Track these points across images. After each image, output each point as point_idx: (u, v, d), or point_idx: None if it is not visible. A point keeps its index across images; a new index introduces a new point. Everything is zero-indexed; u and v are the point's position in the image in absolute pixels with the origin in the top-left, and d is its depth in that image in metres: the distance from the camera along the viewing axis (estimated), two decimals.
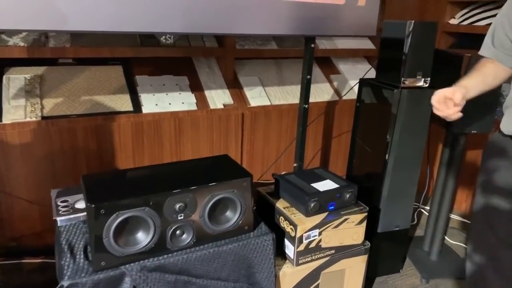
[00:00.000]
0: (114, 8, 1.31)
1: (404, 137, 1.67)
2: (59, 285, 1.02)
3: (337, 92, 2.64)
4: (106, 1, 1.27)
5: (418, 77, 1.62)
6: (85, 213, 1.24)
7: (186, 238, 1.18)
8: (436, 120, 1.81)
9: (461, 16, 2.64)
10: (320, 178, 1.49)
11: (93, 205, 1.02)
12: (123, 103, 2.00)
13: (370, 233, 1.66)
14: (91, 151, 1.87)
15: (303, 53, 1.91)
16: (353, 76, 2.74)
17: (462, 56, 1.68)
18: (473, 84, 1.17)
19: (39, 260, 1.75)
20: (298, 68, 2.62)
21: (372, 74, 1.90)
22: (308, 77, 1.93)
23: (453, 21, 2.66)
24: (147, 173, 1.29)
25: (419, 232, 2.26)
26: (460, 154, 1.84)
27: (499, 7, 2.46)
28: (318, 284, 1.46)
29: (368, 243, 1.55)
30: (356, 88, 2.00)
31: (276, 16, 1.65)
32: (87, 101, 1.93)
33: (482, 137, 2.21)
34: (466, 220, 2.34)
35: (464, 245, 2.13)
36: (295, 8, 1.67)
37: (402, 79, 1.60)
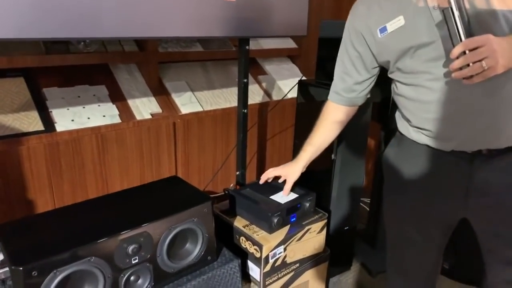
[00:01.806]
0: (11, 11, 1.06)
1: (348, 135, 1.67)
2: None
3: (267, 93, 2.59)
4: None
5: None
6: (4, 269, 0.97)
7: (143, 283, 0.99)
8: (372, 116, 1.86)
9: None
10: (277, 189, 1.40)
11: (21, 267, 0.78)
12: (31, 122, 1.67)
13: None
14: None
15: (238, 55, 1.80)
16: (280, 76, 2.71)
17: None
18: (314, 150, 1.36)
19: None
20: (225, 70, 2.49)
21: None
22: (245, 80, 1.83)
23: None
24: (86, 212, 1.06)
25: (359, 225, 2.32)
26: None
27: None
28: None
29: (328, 249, 1.51)
30: (294, 89, 1.95)
31: (207, 17, 1.52)
32: None
33: None
34: None
35: None
36: (228, 9, 1.55)
37: None
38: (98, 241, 0.88)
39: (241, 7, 1.59)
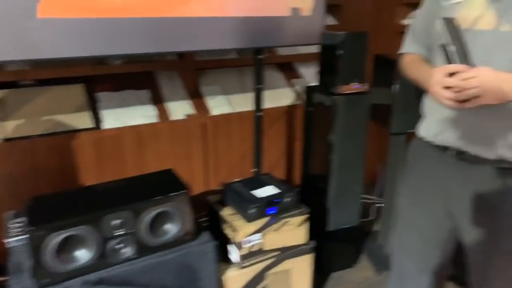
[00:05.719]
0: (79, 35, 1.43)
1: (344, 138, 1.77)
2: None
3: (298, 95, 2.73)
4: (69, 29, 1.40)
5: (353, 83, 1.71)
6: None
7: (128, 251, 1.27)
8: (377, 119, 1.91)
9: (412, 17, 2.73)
10: (263, 185, 1.58)
11: (33, 227, 1.12)
12: (83, 120, 2.08)
13: (321, 232, 1.77)
14: (53, 170, 1.96)
15: (254, 63, 2.00)
16: (315, 79, 2.83)
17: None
18: None
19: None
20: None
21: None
22: (259, 86, 2.02)
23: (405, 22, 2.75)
24: (90, 193, 1.39)
25: (377, 227, 2.35)
26: (403, 152, 1.93)
27: None
28: (266, 285, 1.55)
29: (312, 243, 1.64)
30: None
31: (225, 32, 1.73)
32: (48, 121, 2.01)
33: None
34: None
35: None
36: (243, 23, 1.74)
37: (338, 85, 1.70)
38: (90, 214, 1.19)
39: (256, 21, 1.77)
